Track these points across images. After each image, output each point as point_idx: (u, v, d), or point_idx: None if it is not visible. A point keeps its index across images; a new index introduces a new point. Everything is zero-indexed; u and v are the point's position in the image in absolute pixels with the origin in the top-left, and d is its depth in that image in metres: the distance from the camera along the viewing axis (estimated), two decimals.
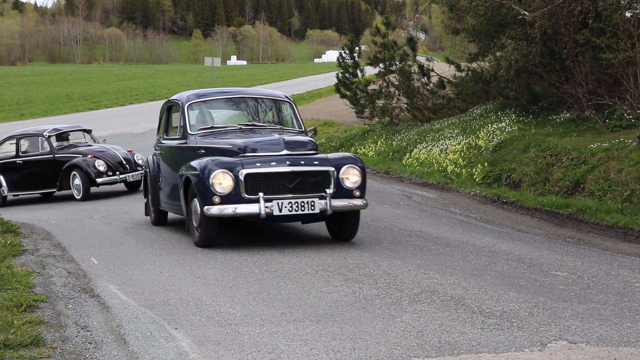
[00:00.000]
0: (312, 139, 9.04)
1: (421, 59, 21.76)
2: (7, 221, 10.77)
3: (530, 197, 11.37)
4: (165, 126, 10.55)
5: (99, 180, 15.22)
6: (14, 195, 16.64)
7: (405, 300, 6.12)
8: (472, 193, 12.62)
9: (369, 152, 18.55)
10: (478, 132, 15.40)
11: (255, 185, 8.28)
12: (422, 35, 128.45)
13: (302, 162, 8.43)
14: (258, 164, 8.32)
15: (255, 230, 9.82)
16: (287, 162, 8.35)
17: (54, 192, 16.20)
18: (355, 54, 23.04)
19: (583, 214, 10.10)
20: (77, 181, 15.37)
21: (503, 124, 15.28)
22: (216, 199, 8.26)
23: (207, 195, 8.31)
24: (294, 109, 10.11)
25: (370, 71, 22.85)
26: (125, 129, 32.97)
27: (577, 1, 13.34)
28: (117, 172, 15.50)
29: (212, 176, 8.27)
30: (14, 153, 16.38)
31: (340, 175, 8.52)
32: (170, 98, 10.47)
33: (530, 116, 15.39)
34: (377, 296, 6.28)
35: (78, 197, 15.35)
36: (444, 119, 18.71)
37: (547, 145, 12.57)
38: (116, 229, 10.59)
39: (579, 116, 14.11)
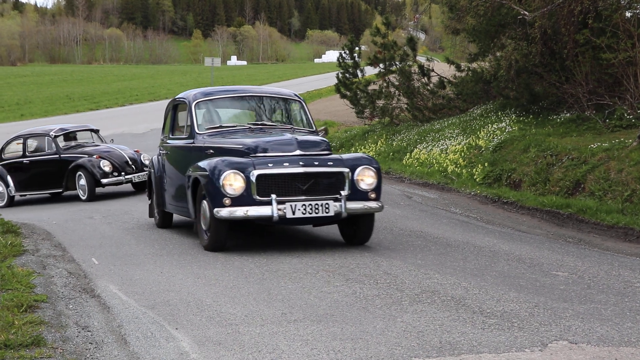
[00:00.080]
0: (324, 139, 8.74)
1: (421, 59, 21.74)
2: (7, 221, 10.75)
3: (530, 197, 11.36)
4: (170, 125, 10.23)
5: (104, 180, 15.04)
6: (21, 196, 16.50)
7: (406, 301, 6.12)
8: (472, 193, 12.62)
9: (369, 152, 18.52)
10: (478, 132, 15.39)
11: (267, 186, 7.99)
12: (422, 36, 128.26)
13: (316, 163, 8.13)
14: (270, 165, 8.03)
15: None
16: (301, 163, 8.05)
17: (62, 192, 16.03)
18: (355, 54, 22.97)
19: (583, 214, 10.10)
20: (83, 182, 15.19)
21: (503, 124, 15.27)
22: (226, 201, 7.97)
23: (217, 197, 8.02)
24: (304, 108, 9.75)
25: (370, 71, 22.81)
26: (125, 129, 32.93)
27: (577, 1, 13.34)
28: (123, 173, 15.32)
29: (222, 177, 7.97)
30: (21, 153, 16.27)
31: (355, 177, 8.23)
32: (177, 96, 10.17)
33: (531, 116, 15.38)
34: (378, 296, 6.28)
35: (83, 198, 15.18)
36: (444, 119, 18.69)
37: (548, 145, 12.56)
38: (117, 229, 10.58)
39: (579, 116, 14.11)
